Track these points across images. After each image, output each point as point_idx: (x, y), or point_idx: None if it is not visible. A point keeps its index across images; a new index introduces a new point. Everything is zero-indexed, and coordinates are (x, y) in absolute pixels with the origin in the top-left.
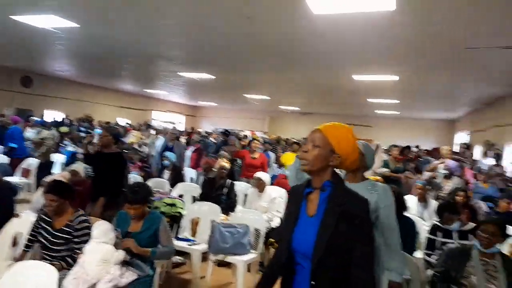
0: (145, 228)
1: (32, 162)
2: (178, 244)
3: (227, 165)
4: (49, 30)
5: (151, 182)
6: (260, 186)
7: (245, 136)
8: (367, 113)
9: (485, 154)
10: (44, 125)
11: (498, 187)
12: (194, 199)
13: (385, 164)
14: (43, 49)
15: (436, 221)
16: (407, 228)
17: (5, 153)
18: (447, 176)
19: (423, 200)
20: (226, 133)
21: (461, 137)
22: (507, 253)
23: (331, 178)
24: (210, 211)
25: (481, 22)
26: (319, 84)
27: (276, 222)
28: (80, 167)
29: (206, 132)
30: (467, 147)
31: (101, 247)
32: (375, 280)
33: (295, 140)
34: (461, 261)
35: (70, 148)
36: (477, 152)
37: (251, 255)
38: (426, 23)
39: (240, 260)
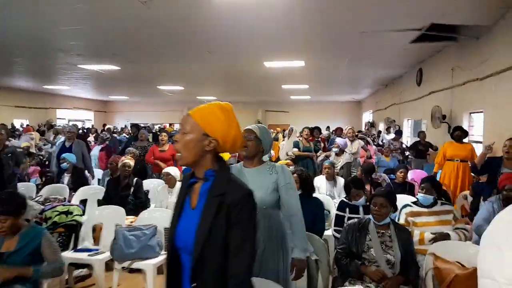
0: (21, 246)
1: None
2: (77, 256)
3: (130, 161)
4: None
5: (46, 189)
6: (169, 181)
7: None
8: (283, 99)
9: (387, 130)
10: None
11: (398, 159)
12: (99, 203)
13: (296, 145)
14: None
15: (344, 198)
16: (317, 208)
17: None
18: (338, 154)
19: (331, 178)
20: (136, 127)
21: (366, 116)
22: (403, 222)
23: (213, 166)
24: (113, 215)
25: (373, 6)
26: (233, 72)
27: None
28: None
29: (115, 128)
30: (372, 125)
31: None
32: (251, 273)
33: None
34: (360, 236)
35: None
36: (381, 128)
37: (161, 257)
38: (319, 9)
39: (148, 264)
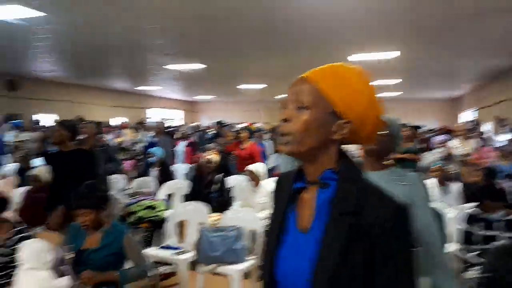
0: (104, 244)
1: (11, 167)
2: (161, 254)
3: (214, 157)
4: (17, 24)
5: (136, 182)
6: (254, 179)
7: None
8: None
9: (497, 130)
10: (21, 127)
11: None
12: (186, 199)
13: None
14: (21, 48)
15: (472, 209)
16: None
17: None
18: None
19: (442, 183)
20: (220, 124)
21: (466, 115)
22: None
23: (337, 164)
24: (196, 212)
25: None
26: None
27: None
28: (43, 170)
29: (198, 126)
30: (476, 124)
31: (32, 276)
32: None
33: None
34: None
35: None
36: (487, 129)
37: (247, 263)
38: None
39: (234, 271)
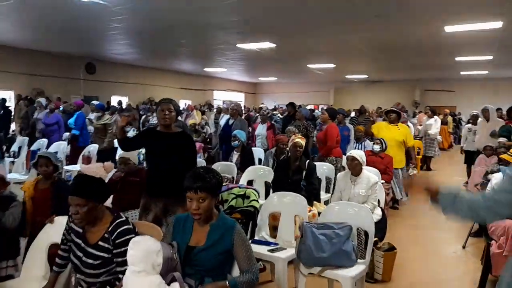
0: (212, 242)
1: (92, 149)
2: (257, 250)
3: (302, 141)
4: (98, 3)
5: (218, 166)
6: (355, 168)
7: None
8: (448, 75)
9: None
10: (104, 109)
11: None
12: (267, 186)
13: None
14: (100, 29)
15: None
16: None
17: (69, 141)
18: None
19: None
20: (292, 106)
21: None
22: None
23: None
24: (294, 204)
25: None
26: (399, 43)
27: (377, 216)
28: (134, 153)
29: (268, 109)
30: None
31: (140, 282)
32: None
33: (392, 108)
34: None
35: (131, 133)
36: None
37: (359, 267)
38: None
39: (346, 277)
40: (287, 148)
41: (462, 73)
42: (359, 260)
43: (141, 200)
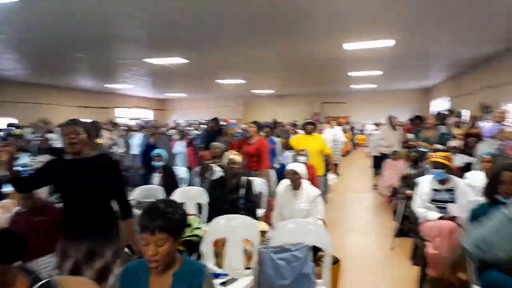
0: None
1: None
2: None
3: (238, 158)
4: None
5: (140, 191)
6: (295, 181)
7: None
8: (341, 89)
9: (481, 118)
10: None
11: None
12: (200, 208)
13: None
14: None
15: None
16: None
17: None
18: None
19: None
20: (216, 122)
21: (438, 104)
22: None
23: None
24: (243, 227)
25: None
26: (301, 59)
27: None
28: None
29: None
30: (450, 112)
31: None
32: None
33: (309, 120)
34: None
35: (25, 159)
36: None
37: None
38: None
39: None
40: (211, 165)
41: (351, 86)
42: (318, 281)
43: (57, 245)
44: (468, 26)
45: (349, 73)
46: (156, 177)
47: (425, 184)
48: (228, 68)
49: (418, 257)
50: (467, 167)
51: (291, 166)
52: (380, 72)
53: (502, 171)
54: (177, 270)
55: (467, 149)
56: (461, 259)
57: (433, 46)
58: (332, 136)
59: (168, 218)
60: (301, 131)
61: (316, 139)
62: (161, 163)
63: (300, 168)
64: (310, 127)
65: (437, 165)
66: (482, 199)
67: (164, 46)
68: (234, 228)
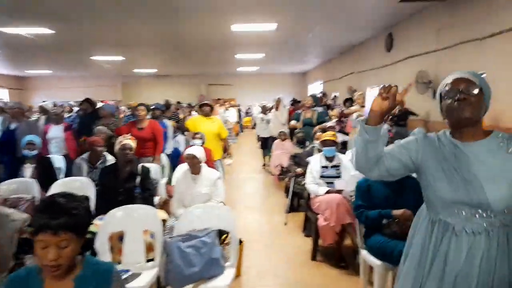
0: None
1: None
2: None
3: (131, 142)
4: None
5: (6, 186)
6: (195, 166)
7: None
8: (227, 71)
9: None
10: None
11: None
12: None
13: (296, 117)
14: None
15: None
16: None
17: None
18: None
19: None
20: (90, 103)
21: (314, 87)
22: None
23: None
24: (143, 218)
25: None
26: (185, 40)
27: None
28: None
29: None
30: (324, 95)
31: None
32: None
33: (206, 102)
34: None
35: None
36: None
37: (230, 272)
38: None
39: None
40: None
41: (238, 69)
42: (226, 264)
43: None
44: (337, 15)
45: (236, 56)
46: (28, 169)
47: (315, 162)
48: (104, 43)
49: (310, 229)
50: (344, 144)
51: (190, 150)
52: (263, 55)
53: None
54: (79, 274)
55: (341, 129)
56: (348, 228)
57: (309, 32)
58: (224, 118)
59: (73, 215)
60: (195, 113)
61: (215, 122)
62: (35, 152)
63: (200, 152)
64: (207, 108)
65: (327, 143)
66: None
67: (21, 13)
68: (134, 219)
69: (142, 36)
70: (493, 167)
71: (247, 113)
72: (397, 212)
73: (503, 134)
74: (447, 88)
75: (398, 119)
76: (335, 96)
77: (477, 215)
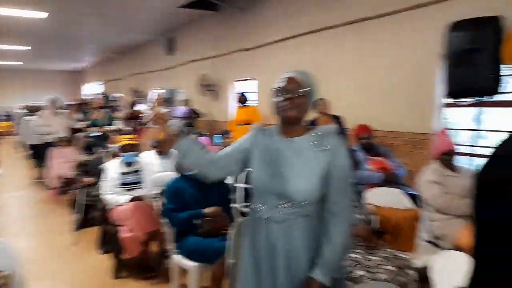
0: None
1: None
2: None
3: None
4: None
5: None
6: None
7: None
8: None
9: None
10: None
11: None
12: None
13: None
14: None
15: None
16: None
17: None
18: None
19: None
20: None
21: (91, 88)
22: None
23: None
24: None
25: None
26: None
27: None
28: None
29: None
30: (105, 96)
31: None
32: None
33: None
34: None
35: None
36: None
37: None
38: None
39: None
40: None
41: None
42: None
43: None
44: (113, 13)
45: None
46: None
47: (113, 169)
48: None
49: (109, 244)
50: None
51: None
52: (29, 48)
53: None
54: None
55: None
56: (154, 235)
57: (84, 27)
58: None
59: None
60: None
61: None
62: None
63: None
64: None
65: (126, 148)
66: (171, 174)
67: None
68: None
69: None
70: (301, 162)
71: (7, 116)
72: (208, 210)
73: (321, 132)
74: (277, 86)
75: (186, 122)
76: (119, 97)
77: (283, 205)
